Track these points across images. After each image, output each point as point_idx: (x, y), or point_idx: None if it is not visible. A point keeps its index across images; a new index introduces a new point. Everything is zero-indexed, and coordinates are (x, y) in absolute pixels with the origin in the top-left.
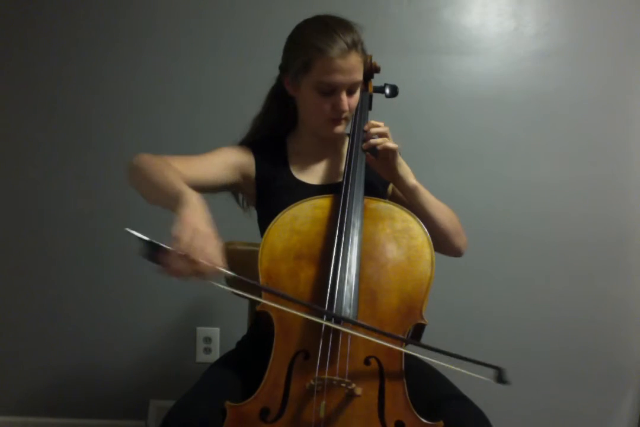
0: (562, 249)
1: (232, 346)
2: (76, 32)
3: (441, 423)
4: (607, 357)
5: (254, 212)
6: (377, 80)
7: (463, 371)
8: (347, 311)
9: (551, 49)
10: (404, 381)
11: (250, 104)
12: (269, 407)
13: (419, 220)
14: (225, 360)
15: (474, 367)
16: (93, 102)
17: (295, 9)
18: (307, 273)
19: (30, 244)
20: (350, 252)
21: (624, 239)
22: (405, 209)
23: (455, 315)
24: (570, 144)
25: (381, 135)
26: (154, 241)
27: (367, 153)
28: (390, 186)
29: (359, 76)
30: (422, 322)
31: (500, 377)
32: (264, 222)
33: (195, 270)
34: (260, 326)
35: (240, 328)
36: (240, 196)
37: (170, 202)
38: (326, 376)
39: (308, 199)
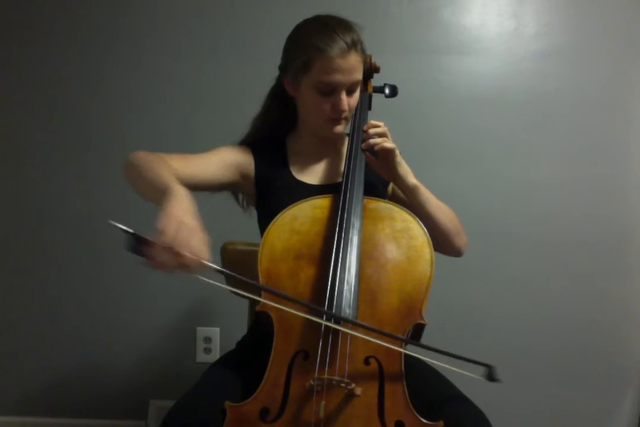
0: (562, 249)
1: (232, 346)
2: (76, 32)
3: (441, 423)
4: (607, 357)
5: (254, 212)
6: (376, 80)
7: (453, 368)
8: (347, 311)
9: (551, 49)
10: (404, 381)
11: (250, 104)
12: (268, 407)
13: (418, 220)
14: (225, 360)
15: (465, 365)
16: (93, 102)
17: (295, 9)
18: (307, 273)
19: (30, 244)
20: (350, 252)
21: (624, 239)
22: (405, 209)
23: (455, 315)
24: (570, 144)
25: (380, 135)
26: (138, 233)
27: (367, 153)
28: (391, 186)
29: (358, 76)
30: (422, 322)
31: (491, 375)
32: (264, 222)
33: (180, 263)
34: (260, 326)
35: (240, 328)
36: (240, 196)
37: (159, 197)
38: (326, 376)
39: (308, 199)
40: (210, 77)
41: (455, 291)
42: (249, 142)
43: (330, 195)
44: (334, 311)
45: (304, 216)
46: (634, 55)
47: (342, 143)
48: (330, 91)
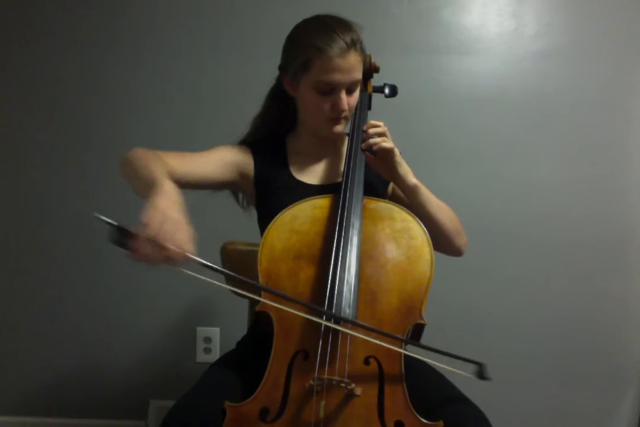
0: (562, 249)
1: (232, 346)
2: (76, 32)
3: (441, 423)
4: (607, 357)
5: (254, 212)
6: (376, 80)
7: (443, 365)
8: (347, 311)
9: (551, 49)
10: (404, 381)
11: (250, 104)
12: (268, 407)
13: (418, 220)
14: (225, 360)
15: (458, 363)
16: (93, 102)
17: (295, 9)
18: (307, 273)
19: (30, 244)
20: (350, 252)
21: (624, 239)
22: (404, 208)
23: (455, 315)
24: (570, 144)
25: (380, 135)
26: (123, 226)
27: (367, 153)
28: (391, 186)
29: (358, 75)
30: (422, 322)
31: (481, 373)
32: (264, 222)
33: (164, 256)
34: (260, 326)
35: (240, 328)
36: (240, 196)
37: (147, 191)
38: (326, 376)
39: (307, 199)
40: (210, 77)
41: (455, 291)
42: (249, 142)
43: (330, 195)
44: (333, 311)
45: (303, 216)
46: (634, 55)
47: (342, 143)
48: (330, 91)
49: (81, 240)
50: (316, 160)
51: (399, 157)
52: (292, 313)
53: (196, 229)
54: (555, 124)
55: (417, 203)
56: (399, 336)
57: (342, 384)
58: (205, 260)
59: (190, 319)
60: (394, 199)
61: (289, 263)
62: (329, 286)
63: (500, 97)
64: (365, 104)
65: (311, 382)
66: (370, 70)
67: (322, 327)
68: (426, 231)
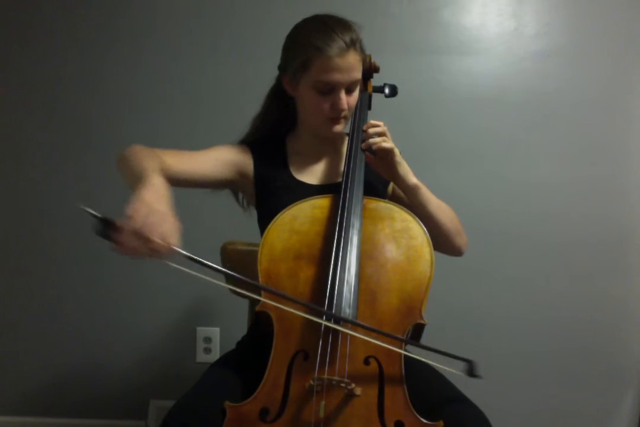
0: (562, 249)
1: (232, 346)
2: (76, 32)
3: (441, 423)
4: (607, 357)
5: (254, 212)
6: (376, 80)
7: (432, 363)
8: (347, 311)
9: (551, 49)
10: (404, 381)
11: (250, 104)
12: (268, 407)
13: (418, 220)
14: (225, 360)
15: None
16: (93, 102)
17: (295, 9)
18: (307, 273)
19: (30, 244)
20: (350, 252)
21: (624, 239)
22: (404, 208)
23: (455, 315)
24: (570, 144)
25: (380, 135)
26: (107, 218)
27: (367, 153)
28: (391, 186)
29: (357, 75)
30: (422, 322)
31: (471, 371)
32: (264, 222)
33: (149, 248)
34: (260, 326)
35: (240, 328)
36: (240, 195)
37: (136, 185)
38: (326, 376)
39: (307, 199)
40: (210, 77)
41: (455, 291)
42: (249, 142)
43: (330, 195)
44: (333, 311)
45: (303, 216)
46: (634, 55)
47: (342, 143)
48: (329, 90)
49: (81, 240)
50: (316, 160)
51: (399, 157)
52: (292, 313)
53: (196, 229)
54: (555, 124)
55: (417, 203)
56: (399, 336)
57: (342, 384)
58: (206, 260)
59: (190, 319)
60: (394, 199)
61: (289, 263)
62: (329, 286)
63: (500, 97)
64: (365, 104)
65: (311, 382)
66: (370, 70)
67: (322, 327)
68: (426, 231)
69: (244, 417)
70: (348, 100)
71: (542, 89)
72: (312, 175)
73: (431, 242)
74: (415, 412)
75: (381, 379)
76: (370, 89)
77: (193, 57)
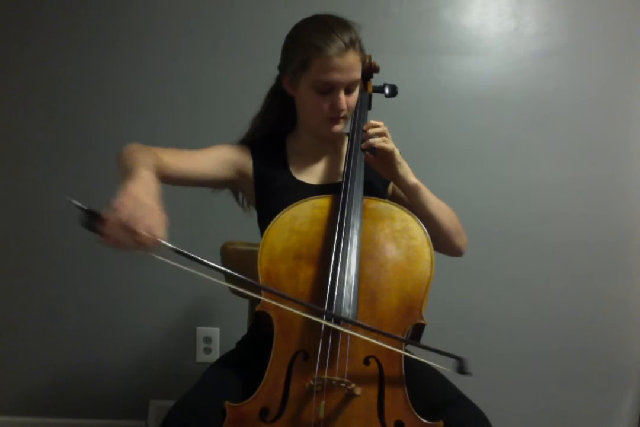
0: (562, 249)
1: (232, 346)
2: (76, 32)
3: (441, 423)
4: (607, 357)
5: (254, 212)
6: (376, 80)
7: (423, 360)
8: (347, 311)
9: (551, 49)
10: (404, 381)
11: (250, 104)
12: (268, 407)
13: (418, 220)
14: (225, 360)
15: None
16: (93, 102)
17: (295, 9)
18: (307, 273)
19: (30, 244)
20: (350, 252)
21: (624, 239)
22: (404, 208)
23: (455, 315)
24: (570, 144)
25: (380, 135)
26: (93, 209)
27: (367, 153)
28: (391, 186)
29: (356, 75)
30: (422, 322)
31: (461, 368)
32: (264, 222)
33: (135, 241)
34: (260, 326)
35: (240, 328)
36: (240, 195)
37: (124, 180)
38: (326, 376)
39: (307, 199)
40: (210, 77)
41: (455, 291)
42: (249, 142)
43: (330, 195)
44: (333, 311)
45: (303, 216)
46: (634, 55)
47: (342, 143)
48: (329, 90)
49: (81, 240)
50: (316, 160)
51: (399, 158)
52: (292, 313)
53: (196, 229)
54: (555, 124)
55: (417, 203)
56: (399, 336)
57: (342, 384)
58: (205, 260)
59: (190, 319)
60: (394, 199)
61: (288, 263)
62: (328, 286)
63: (500, 97)
64: (365, 104)
65: (311, 382)
66: (370, 70)
67: (322, 327)
68: (426, 231)
69: (244, 417)
70: (347, 101)
71: (542, 89)
72: (312, 175)
73: (431, 242)
74: (415, 412)
75: (381, 379)
76: (370, 89)
77: (193, 57)
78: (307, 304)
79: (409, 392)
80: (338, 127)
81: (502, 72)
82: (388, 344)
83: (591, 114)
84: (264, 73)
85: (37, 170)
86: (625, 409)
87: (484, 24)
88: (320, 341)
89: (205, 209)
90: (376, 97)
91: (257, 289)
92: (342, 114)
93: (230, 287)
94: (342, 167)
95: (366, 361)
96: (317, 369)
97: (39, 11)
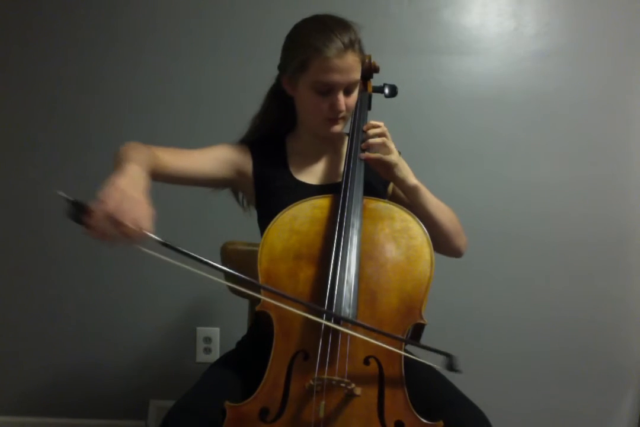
0: (562, 249)
1: (232, 346)
2: (76, 32)
3: (441, 423)
4: (607, 357)
5: (254, 212)
6: (376, 80)
7: (412, 356)
8: (347, 310)
9: (551, 49)
10: (404, 381)
11: (250, 104)
12: (268, 407)
13: (418, 220)
14: (225, 360)
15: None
16: (93, 102)
17: (295, 9)
18: (307, 273)
19: (30, 244)
20: (350, 252)
21: (624, 239)
22: (404, 208)
23: (455, 315)
24: (570, 144)
25: (380, 135)
26: (80, 201)
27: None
28: (391, 186)
29: (356, 76)
30: (422, 322)
31: (451, 365)
32: (264, 222)
33: (121, 232)
34: (260, 326)
35: (240, 328)
36: (240, 195)
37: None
38: (326, 376)
39: (307, 199)
40: (210, 77)
41: (455, 291)
42: (248, 141)
43: (330, 195)
44: (333, 311)
45: (303, 216)
46: (634, 55)
47: (342, 143)
48: (328, 91)
49: (81, 240)
50: (316, 160)
51: (400, 165)
52: (292, 313)
53: (196, 229)
54: (555, 124)
55: (417, 204)
56: (399, 336)
57: (342, 384)
58: (205, 260)
59: (190, 319)
60: (394, 199)
61: (288, 263)
62: (328, 286)
63: (500, 97)
64: (365, 104)
65: (311, 382)
66: (370, 70)
67: (322, 327)
68: (426, 231)
69: (244, 417)
70: (347, 101)
71: (542, 89)
72: (312, 175)
73: (431, 243)
74: (415, 412)
75: (381, 379)
76: (370, 89)
77: (193, 57)
78: (307, 303)
79: (409, 392)
80: (337, 128)
81: (502, 72)
82: (388, 344)
83: (591, 114)
84: (264, 73)
85: (37, 170)
86: (625, 409)
87: (484, 24)
88: (320, 340)
89: (205, 209)
90: (376, 97)
91: (256, 288)
92: (341, 114)
93: (228, 286)
94: (342, 167)
95: (366, 361)
96: (317, 369)
97: (39, 11)
